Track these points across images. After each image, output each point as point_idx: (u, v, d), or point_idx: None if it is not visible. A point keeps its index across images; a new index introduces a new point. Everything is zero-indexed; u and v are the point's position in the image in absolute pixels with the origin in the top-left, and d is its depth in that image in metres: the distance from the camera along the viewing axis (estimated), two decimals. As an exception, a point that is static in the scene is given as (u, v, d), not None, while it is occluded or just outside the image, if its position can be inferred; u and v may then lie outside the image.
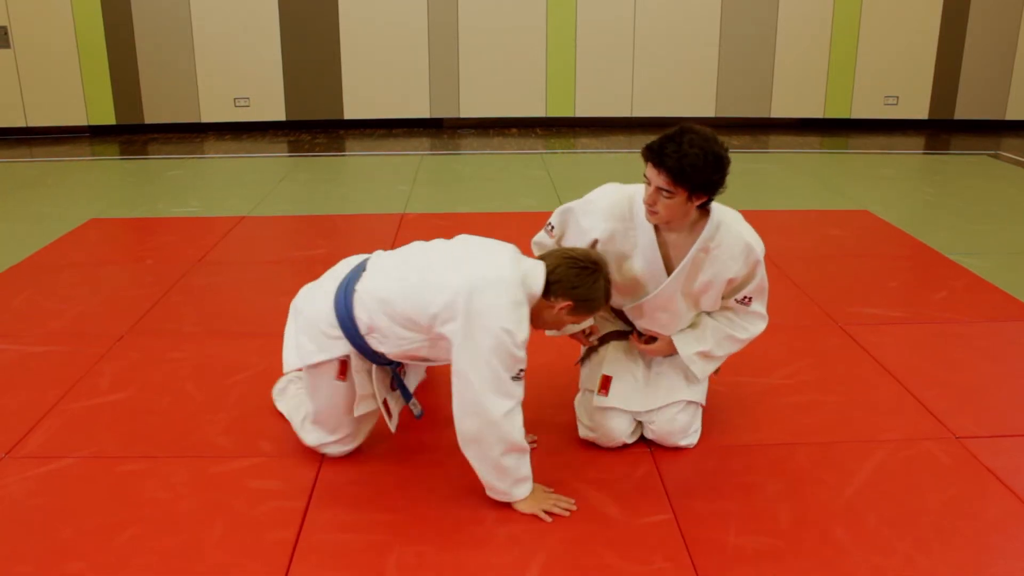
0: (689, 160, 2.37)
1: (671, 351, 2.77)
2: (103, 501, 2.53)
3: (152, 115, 8.78)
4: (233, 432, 2.92)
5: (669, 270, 2.63)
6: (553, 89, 9.04)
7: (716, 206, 2.57)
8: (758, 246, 2.65)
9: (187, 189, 6.59)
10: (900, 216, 5.63)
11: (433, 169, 7.28)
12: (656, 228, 2.61)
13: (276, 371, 3.35)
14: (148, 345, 3.62)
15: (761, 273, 2.67)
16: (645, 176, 2.47)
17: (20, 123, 8.57)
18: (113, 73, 8.57)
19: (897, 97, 9.06)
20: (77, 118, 8.65)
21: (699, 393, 2.83)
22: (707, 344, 2.75)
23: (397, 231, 5.21)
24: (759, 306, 2.75)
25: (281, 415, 2.97)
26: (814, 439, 2.89)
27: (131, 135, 8.80)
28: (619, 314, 2.87)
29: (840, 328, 3.78)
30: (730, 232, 2.60)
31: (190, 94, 8.75)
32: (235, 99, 8.84)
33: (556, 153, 8.05)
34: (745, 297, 2.70)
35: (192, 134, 8.89)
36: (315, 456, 2.75)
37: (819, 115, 9.14)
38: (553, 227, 2.81)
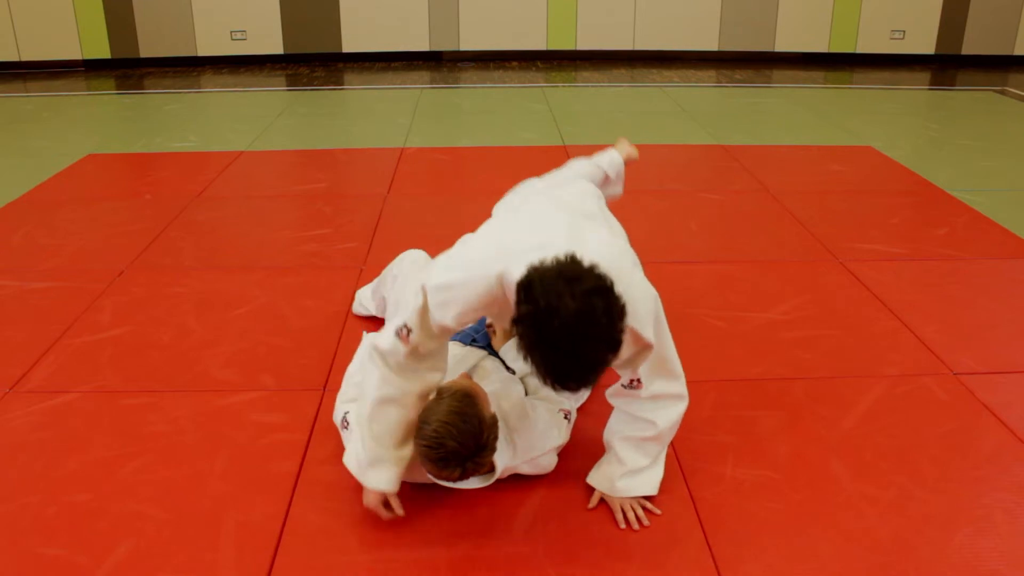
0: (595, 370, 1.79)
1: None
2: (107, 434, 2.56)
3: (148, 49, 8.66)
4: (234, 366, 2.94)
5: None
6: (554, 22, 8.91)
7: None
8: (646, 326, 2.00)
9: (185, 124, 6.53)
10: (903, 152, 5.59)
11: (433, 103, 7.21)
12: None
13: (276, 305, 3.37)
14: (149, 280, 3.62)
15: (657, 344, 2.05)
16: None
17: (13, 57, 8.46)
18: (107, 6, 8.43)
19: (904, 31, 8.92)
20: (71, 52, 8.53)
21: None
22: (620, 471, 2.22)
23: (397, 165, 5.17)
24: (663, 384, 2.15)
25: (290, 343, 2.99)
26: (813, 374, 2.91)
27: (127, 69, 8.69)
28: None
29: (840, 264, 3.78)
30: None
31: (186, 27, 8.62)
32: (232, 32, 8.71)
33: (557, 87, 7.96)
34: (632, 380, 2.14)
35: (188, 68, 8.78)
36: (317, 389, 2.77)
37: (824, 49, 9.01)
38: (411, 332, 2.05)
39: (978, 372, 2.91)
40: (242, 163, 5.36)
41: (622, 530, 2.16)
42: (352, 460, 2.19)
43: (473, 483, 2.18)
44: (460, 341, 2.55)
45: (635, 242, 3.99)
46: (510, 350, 2.55)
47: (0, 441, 2.53)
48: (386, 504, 2.17)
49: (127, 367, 2.94)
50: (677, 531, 2.17)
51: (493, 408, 2.14)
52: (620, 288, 1.78)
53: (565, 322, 1.68)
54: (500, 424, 2.15)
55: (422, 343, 2.06)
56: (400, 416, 2.13)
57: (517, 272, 1.82)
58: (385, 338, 2.11)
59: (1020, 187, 4.94)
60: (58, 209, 4.50)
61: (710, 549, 2.10)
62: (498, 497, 2.27)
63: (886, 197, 4.72)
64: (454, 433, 1.96)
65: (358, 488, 2.25)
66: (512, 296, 1.82)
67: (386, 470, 2.14)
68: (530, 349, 1.74)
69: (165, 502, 2.26)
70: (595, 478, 2.27)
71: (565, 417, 2.38)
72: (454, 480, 2.08)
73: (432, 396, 2.09)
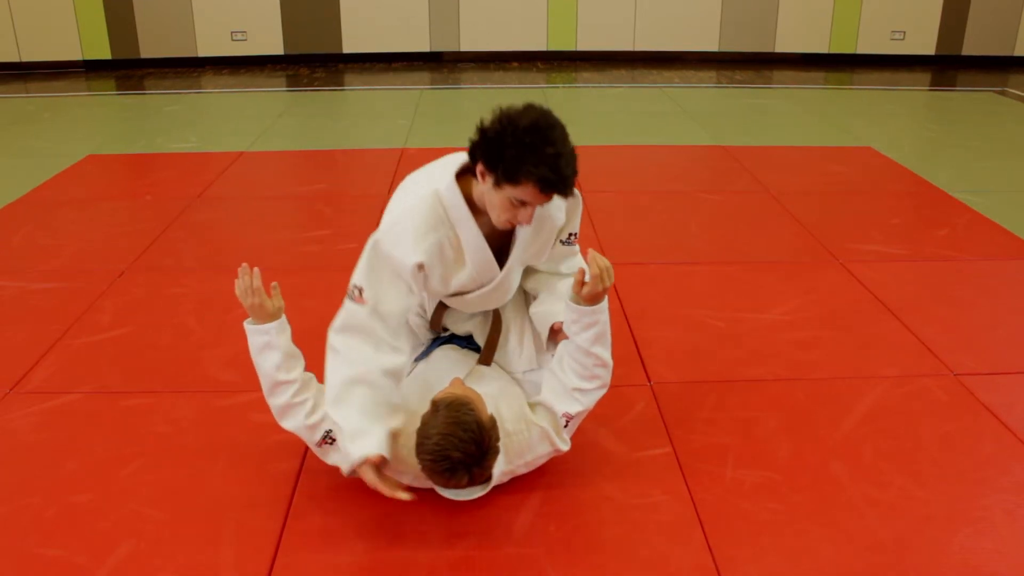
0: (573, 171, 2.03)
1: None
2: (107, 435, 2.56)
3: (148, 49, 8.66)
4: (235, 366, 2.93)
5: (495, 252, 2.24)
6: (555, 22, 8.91)
7: None
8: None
9: (185, 124, 6.53)
10: (903, 153, 5.59)
11: (433, 103, 7.21)
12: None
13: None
14: (149, 281, 3.62)
15: (576, 202, 2.34)
16: (517, 199, 2.03)
17: (14, 58, 8.46)
18: (107, 6, 8.43)
19: (904, 32, 8.92)
20: (71, 53, 8.53)
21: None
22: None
23: (397, 166, 5.17)
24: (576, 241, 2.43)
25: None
26: (813, 375, 2.91)
27: (127, 70, 8.69)
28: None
29: (841, 264, 3.78)
30: None
31: (186, 28, 8.62)
32: (232, 33, 8.71)
33: (557, 87, 7.96)
34: (571, 235, 2.39)
35: (189, 68, 8.78)
36: (317, 391, 2.77)
37: (824, 50, 9.02)
38: (363, 290, 2.17)
39: (978, 373, 2.91)
40: (242, 164, 5.36)
41: (622, 530, 2.16)
42: (339, 453, 2.19)
43: (469, 493, 2.17)
44: (458, 344, 2.54)
45: (635, 242, 4.01)
46: (516, 358, 2.51)
47: (0, 442, 2.53)
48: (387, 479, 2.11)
49: (127, 368, 2.95)
50: (677, 531, 2.17)
51: (491, 411, 2.13)
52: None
53: (531, 119, 2.02)
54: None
55: (379, 297, 2.15)
56: (369, 394, 2.14)
57: (446, 183, 2.15)
58: (338, 317, 2.19)
59: (1020, 188, 4.94)
60: (58, 210, 4.50)
61: (710, 549, 2.10)
62: (498, 497, 2.27)
63: (886, 198, 4.73)
64: (455, 443, 1.96)
65: (358, 489, 2.25)
66: (453, 211, 2.14)
67: (370, 437, 2.09)
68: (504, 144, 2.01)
69: (165, 502, 2.26)
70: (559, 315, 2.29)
71: (566, 424, 2.28)
72: (462, 486, 2.08)
73: (428, 409, 2.07)
